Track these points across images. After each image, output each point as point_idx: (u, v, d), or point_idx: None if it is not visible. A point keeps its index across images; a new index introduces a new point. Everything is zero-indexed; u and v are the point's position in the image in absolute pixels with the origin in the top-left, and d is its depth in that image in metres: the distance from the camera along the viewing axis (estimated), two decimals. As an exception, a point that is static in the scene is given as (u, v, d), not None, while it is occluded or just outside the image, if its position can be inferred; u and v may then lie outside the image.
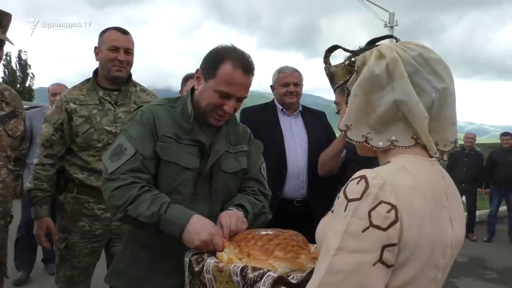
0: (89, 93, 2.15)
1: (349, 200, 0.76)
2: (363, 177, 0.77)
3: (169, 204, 1.30)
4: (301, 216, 2.51)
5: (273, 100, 2.81)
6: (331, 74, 0.96)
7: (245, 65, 1.38)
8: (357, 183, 0.77)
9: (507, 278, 4.77)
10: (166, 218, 1.26)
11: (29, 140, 3.42)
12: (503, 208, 6.82)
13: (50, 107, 3.56)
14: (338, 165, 2.49)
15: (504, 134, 6.68)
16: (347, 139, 0.89)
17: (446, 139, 0.88)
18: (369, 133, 0.87)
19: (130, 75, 2.25)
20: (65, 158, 2.16)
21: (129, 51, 2.16)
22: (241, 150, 1.54)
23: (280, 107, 2.72)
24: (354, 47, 0.92)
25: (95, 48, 2.18)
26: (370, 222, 0.74)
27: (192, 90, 1.49)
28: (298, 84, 2.69)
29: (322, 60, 0.96)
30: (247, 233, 1.22)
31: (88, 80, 2.21)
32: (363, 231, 0.74)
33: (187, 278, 1.18)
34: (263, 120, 2.63)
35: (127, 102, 2.18)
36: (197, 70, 1.45)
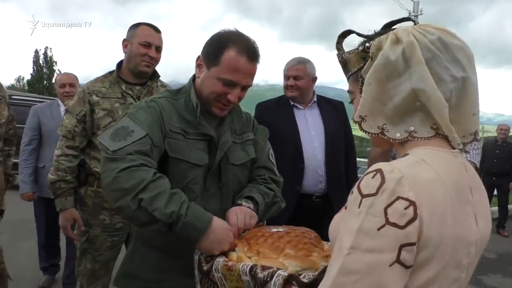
0: (112, 86, 2.15)
1: (363, 196, 0.71)
2: (379, 170, 0.72)
3: (189, 204, 1.17)
4: (320, 212, 2.45)
5: None
6: (344, 61, 0.89)
7: (250, 52, 1.28)
8: (372, 177, 0.71)
9: (538, 276, 4.60)
10: (187, 221, 1.13)
11: (38, 138, 3.35)
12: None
13: (59, 100, 3.40)
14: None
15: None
16: (362, 131, 0.83)
17: (465, 129, 0.81)
18: (385, 124, 0.81)
19: (156, 71, 2.26)
20: (85, 151, 2.17)
21: (159, 49, 2.18)
22: (247, 139, 1.46)
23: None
24: (369, 31, 0.86)
25: (124, 40, 2.17)
26: (386, 219, 0.68)
27: (194, 79, 1.40)
28: (299, 77, 2.55)
29: (335, 46, 0.90)
30: (257, 230, 1.18)
31: (110, 72, 2.21)
32: (379, 229, 0.68)
33: (197, 276, 1.15)
34: (278, 115, 2.56)
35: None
36: (198, 57, 1.36)
